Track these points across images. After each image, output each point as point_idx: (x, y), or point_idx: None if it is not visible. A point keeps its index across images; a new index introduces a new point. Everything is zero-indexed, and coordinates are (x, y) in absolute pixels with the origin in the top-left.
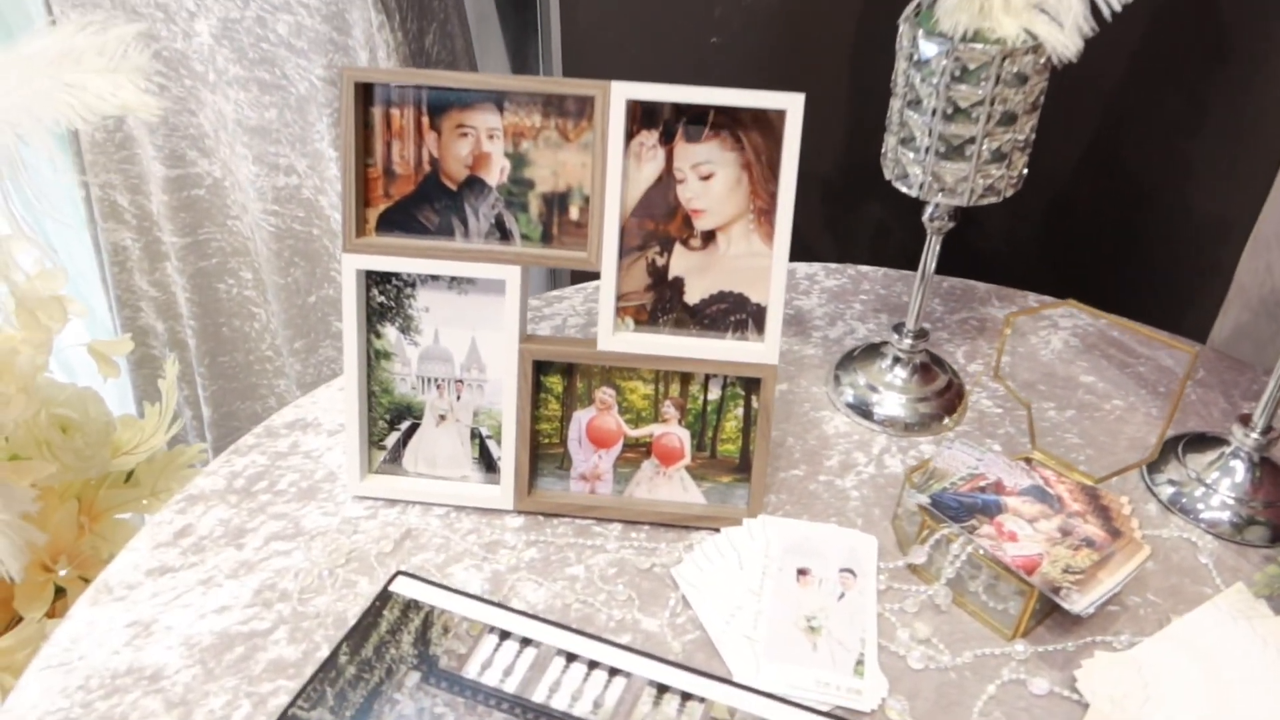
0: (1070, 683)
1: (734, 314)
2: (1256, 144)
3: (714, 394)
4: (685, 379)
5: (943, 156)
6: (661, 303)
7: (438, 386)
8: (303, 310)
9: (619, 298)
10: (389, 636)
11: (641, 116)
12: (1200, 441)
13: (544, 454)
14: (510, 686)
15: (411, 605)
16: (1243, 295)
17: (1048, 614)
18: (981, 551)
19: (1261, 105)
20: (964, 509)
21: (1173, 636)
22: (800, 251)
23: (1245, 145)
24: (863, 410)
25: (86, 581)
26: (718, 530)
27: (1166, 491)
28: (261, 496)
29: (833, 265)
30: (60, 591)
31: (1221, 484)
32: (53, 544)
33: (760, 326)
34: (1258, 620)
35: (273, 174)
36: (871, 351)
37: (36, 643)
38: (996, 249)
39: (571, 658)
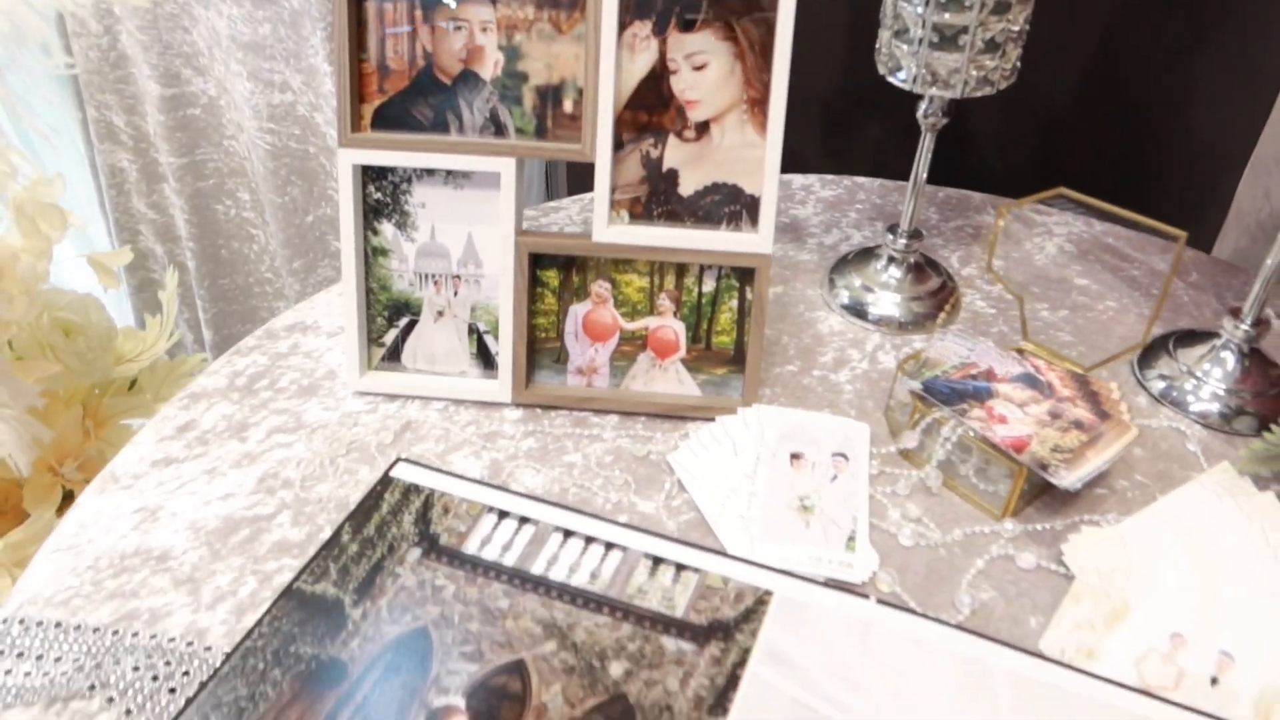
0: (1057, 557)
1: (728, 205)
2: (1256, 67)
3: (709, 286)
4: (680, 271)
5: (935, 47)
6: (655, 195)
7: (435, 282)
8: (300, 230)
9: (613, 190)
10: (390, 517)
11: (635, 7)
12: (1191, 337)
13: (541, 348)
14: (509, 560)
15: (412, 489)
16: (1241, 220)
17: (1036, 495)
18: (972, 433)
19: (1262, 28)
20: (955, 394)
21: (1158, 513)
22: (796, 169)
23: (1245, 68)
24: (857, 310)
25: None
26: (713, 420)
27: (1157, 385)
28: (263, 394)
29: (829, 176)
30: (68, 496)
31: (1211, 375)
32: (59, 447)
33: (754, 217)
34: (1242, 497)
35: (268, 91)
36: (866, 254)
37: (45, 537)
38: (991, 166)
39: (568, 534)
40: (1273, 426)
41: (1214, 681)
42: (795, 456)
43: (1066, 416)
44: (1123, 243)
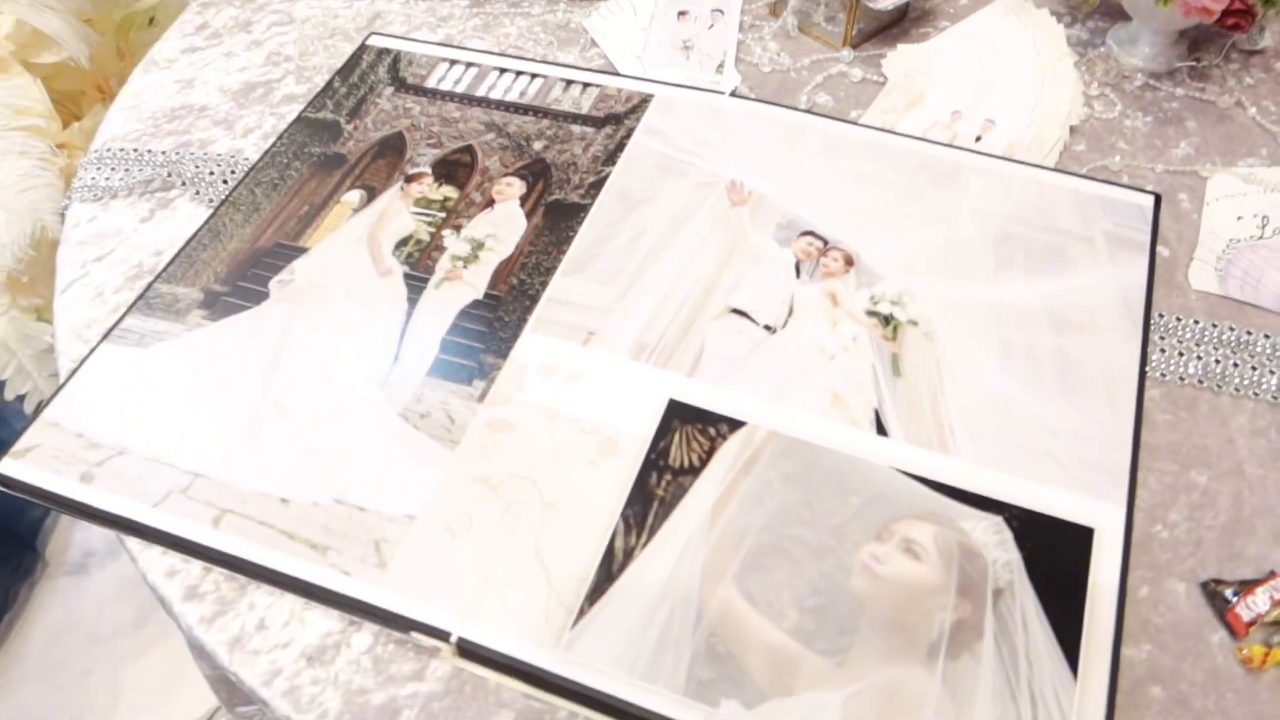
0: (880, 72)
1: None
2: None
3: None
4: None
5: None
6: None
7: None
8: None
9: None
10: (369, 70)
11: None
12: None
13: None
14: (459, 89)
15: (384, 51)
16: None
17: (874, 33)
18: None
19: None
20: None
21: (959, 31)
22: None
23: None
24: None
25: None
26: None
27: None
28: None
29: None
30: None
31: None
32: (100, 68)
33: None
34: (1026, 14)
35: None
36: None
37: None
38: None
39: (503, 71)
40: None
41: (978, 139)
42: (681, 13)
43: None
44: None
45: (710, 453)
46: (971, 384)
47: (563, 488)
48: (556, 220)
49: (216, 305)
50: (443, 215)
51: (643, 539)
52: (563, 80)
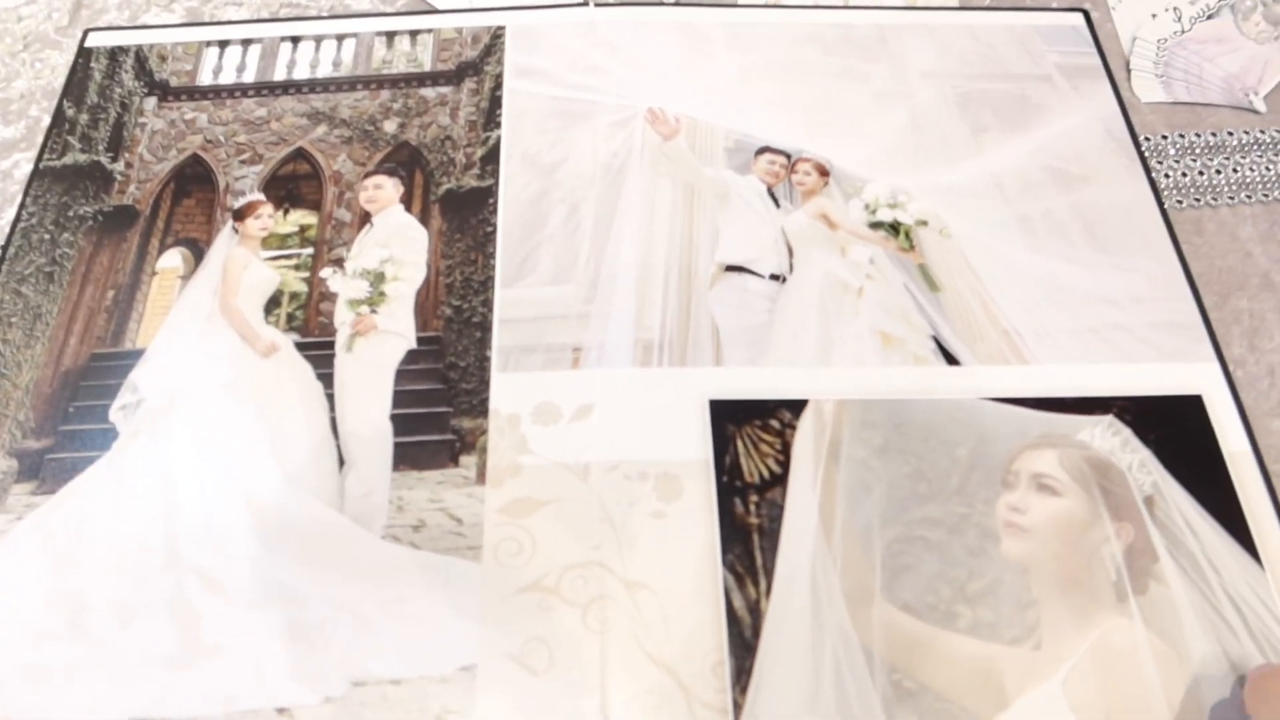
0: None
1: None
2: None
3: None
4: None
5: None
6: None
7: None
8: None
9: None
10: (108, 81)
11: None
12: None
13: None
14: (249, 78)
15: (117, 51)
16: None
17: None
18: None
19: None
20: None
21: None
22: None
23: None
24: None
25: None
26: None
27: None
28: None
29: None
30: None
31: None
32: None
33: None
34: None
35: None
36: None
37: None
38: None
39: (296, 40)
40: None
41: None
42: None
43: None
44: None
45: (785, 450)
46: (1011, 275)
47: (639, 557)
48: (461, 216)
49: (44, 470)
50: (309, 252)
51: (762, 585)
52: (380, 35)
